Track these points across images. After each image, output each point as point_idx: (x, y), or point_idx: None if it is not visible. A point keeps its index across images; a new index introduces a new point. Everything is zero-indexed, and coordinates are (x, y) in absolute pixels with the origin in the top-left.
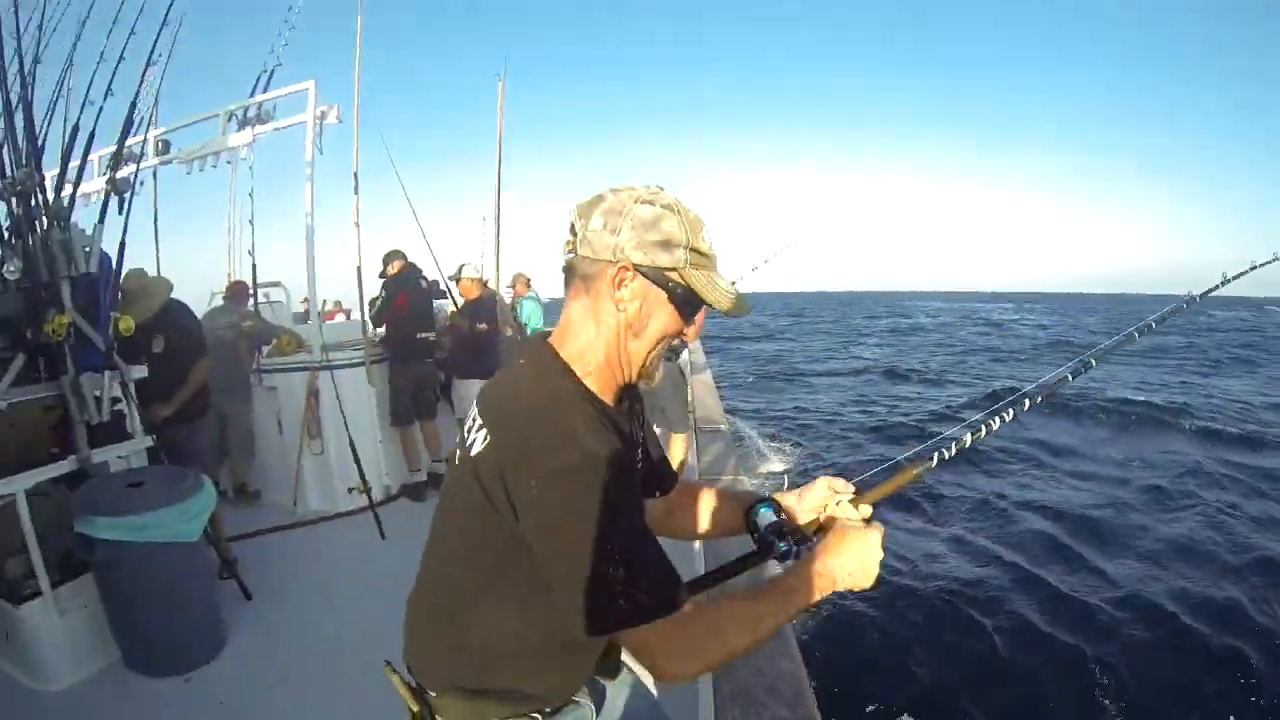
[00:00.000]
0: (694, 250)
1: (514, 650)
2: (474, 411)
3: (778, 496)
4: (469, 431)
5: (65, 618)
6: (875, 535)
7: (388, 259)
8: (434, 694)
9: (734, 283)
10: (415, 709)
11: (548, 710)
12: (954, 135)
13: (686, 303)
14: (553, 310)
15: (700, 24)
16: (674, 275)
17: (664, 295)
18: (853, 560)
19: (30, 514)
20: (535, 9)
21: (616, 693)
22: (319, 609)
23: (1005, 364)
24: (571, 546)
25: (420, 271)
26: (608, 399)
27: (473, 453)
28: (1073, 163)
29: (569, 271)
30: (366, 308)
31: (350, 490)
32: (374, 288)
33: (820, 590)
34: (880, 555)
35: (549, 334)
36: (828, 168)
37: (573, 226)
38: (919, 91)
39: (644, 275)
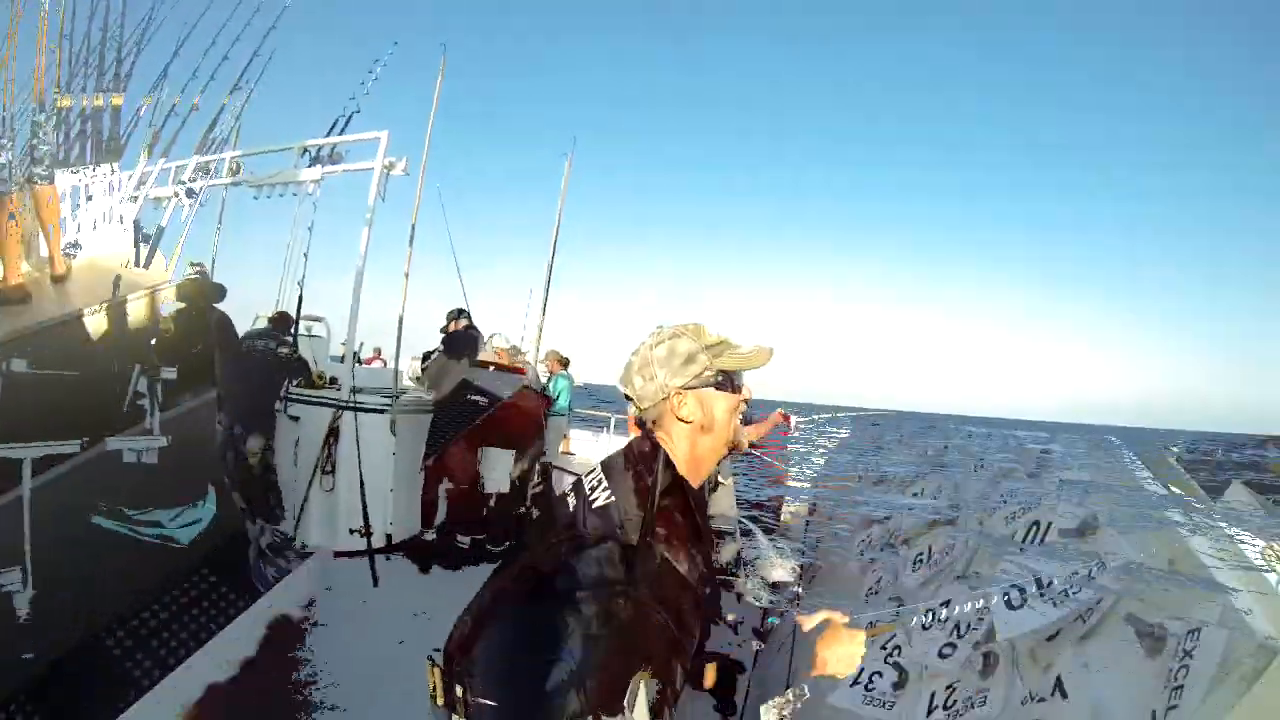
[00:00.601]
0: (707, 348)
1: None
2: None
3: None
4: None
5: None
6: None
7: (452, 316)
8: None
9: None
10: (441, 700)
11: None
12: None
13: (728, 381)
14: (580, 394)
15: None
16: (707, 373)
17: (711, 389)
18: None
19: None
20: (603, 96)
21: None
22: None
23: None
24: None
25: (480, 334)
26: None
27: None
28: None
29: (642, 425)
30: (420, 359)
31: (353, 531)
32: (431, 340)
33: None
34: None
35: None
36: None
37: (626, 396)
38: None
39: (689, 389)
